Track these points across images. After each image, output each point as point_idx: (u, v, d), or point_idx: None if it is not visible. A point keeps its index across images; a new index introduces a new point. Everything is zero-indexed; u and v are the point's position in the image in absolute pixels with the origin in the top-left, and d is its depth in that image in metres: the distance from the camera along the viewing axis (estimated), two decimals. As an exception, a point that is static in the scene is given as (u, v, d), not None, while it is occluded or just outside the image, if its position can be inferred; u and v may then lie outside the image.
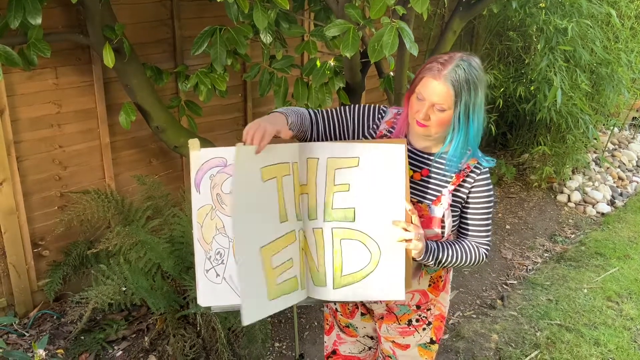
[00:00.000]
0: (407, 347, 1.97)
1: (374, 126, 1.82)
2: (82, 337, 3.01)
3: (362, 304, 2.02)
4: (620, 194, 5.36)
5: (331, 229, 1.73)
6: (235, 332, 2.91)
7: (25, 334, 3.05)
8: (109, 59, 2.66)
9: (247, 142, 1.59)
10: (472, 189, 1.77)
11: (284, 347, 3.13)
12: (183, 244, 3.06)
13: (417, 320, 1.93)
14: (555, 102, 4.29)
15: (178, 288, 3.05)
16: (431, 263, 1.74)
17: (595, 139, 5.35)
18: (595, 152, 6.03)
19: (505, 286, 3.85)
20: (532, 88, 4.74)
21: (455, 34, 3.76)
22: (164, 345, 2.98)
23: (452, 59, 1.62)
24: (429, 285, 1.90)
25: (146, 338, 3.00)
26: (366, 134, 1.83)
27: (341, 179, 1.72)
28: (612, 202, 5.21)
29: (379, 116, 1.83)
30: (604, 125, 6.09)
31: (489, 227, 1.83)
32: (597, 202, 5.12)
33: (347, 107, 1.85)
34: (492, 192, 1.79)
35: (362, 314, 2.04)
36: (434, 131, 1.68)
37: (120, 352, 2.99)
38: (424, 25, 4.73)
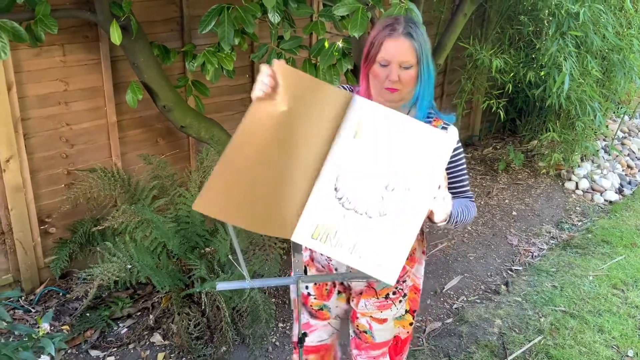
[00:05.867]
0: (384, 321, 1.97)
1: None
2: (88, 314, 3.04)
3: (341, 282, 2.00)
4: (629, 183, 5.32)
5: None
6: (239, 312, 2.92)
7: (31, 309, 3.07)
8: (116, 36, 2.65)
9: None
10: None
11: (287, 327, 3.14)
12: (188, 224, 3.07)
13: (394, 293, 1.94)
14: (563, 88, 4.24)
15: (183, 267, 3.06)
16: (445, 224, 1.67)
17: (603, 126, 5.29)
18: (604, 140, 5.97)
19: (510, 272, 3.84)
20: (542, 73, 4.68)
21: (465, 17, 3.72)
22: (169, 324, 3.00)
23: (398, 19, 1.66)
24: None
25: (151, 316, 3.02)
26: None
27: None
28: (620, 191, 5.17)
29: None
30: (614, 113, 6.02)
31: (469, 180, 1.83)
32: (605, 190, 5.08)
33: None
34: (461, 145, 1.78)
35: (339, 292, 2.03)
36: (405, 92, 1.67)
37: (125, 329, 3.01)
38: (434, 8, 4.68)
